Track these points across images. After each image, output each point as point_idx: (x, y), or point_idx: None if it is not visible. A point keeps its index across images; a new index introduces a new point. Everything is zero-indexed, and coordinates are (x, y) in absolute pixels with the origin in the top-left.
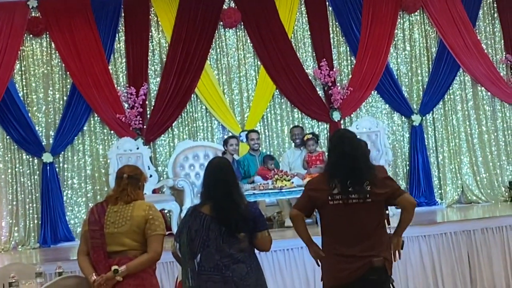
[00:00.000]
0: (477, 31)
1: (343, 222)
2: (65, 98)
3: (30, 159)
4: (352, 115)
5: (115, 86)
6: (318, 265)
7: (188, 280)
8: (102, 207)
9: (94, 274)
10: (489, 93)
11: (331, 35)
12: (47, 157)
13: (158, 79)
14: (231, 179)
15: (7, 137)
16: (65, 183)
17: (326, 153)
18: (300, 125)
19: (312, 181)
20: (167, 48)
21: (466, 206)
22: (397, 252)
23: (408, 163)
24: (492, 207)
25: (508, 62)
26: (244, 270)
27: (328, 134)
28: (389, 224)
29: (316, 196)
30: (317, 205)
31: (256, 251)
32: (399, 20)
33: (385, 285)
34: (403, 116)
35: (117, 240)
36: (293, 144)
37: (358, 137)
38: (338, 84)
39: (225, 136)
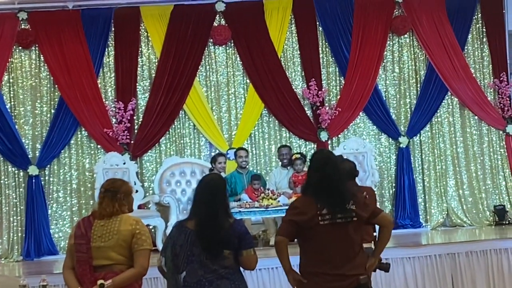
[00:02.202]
0: (465, 55)
1: (333, 241)
2: (52, 111)
3: (16, 171)
4: (339, 136)
5: (103, 100)
6: None
7: None
8: (89, 221)
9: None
10: (476, 117)
11: (321, 55)
12: (33, 170)
13: (147, 94)
14: (219, 198)
15: None
16: (50, 196)
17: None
18: (288, 144)
19: (296, 205)
20: (157, 63)
21: (451, 229)
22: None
23: (394, 184)
24: (476, 231)
25: (496, 87)
26: (228, 286)
27: None
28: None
29: (304, 219)
30: (305, 227)
31: (242, 268)
32: (388, 42)
33: None
34: (390, 138)
35: (103, 254)
36: (280, 163)
37: (345, 157)
38: (327, 104)
39: (213, 153)
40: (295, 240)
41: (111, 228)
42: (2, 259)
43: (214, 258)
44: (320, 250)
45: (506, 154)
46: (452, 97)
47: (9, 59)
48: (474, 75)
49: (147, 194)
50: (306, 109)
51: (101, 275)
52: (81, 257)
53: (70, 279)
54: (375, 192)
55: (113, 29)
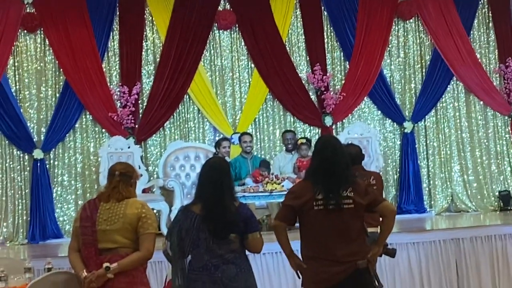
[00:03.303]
0: (471, 40)
1: (327, 227)
2: (57, 95)
3: (21, 155)
4: (344, 121)
5: (108, 84)
6: (299, 277)
7: (177, 279)
8: (95, 204)
9: (84, 270)
10: (481, 103)
11: (326, 40)
12: (38, 154)
13: (152, 78)
14: (224, 181)
15: None
16: (55, 180)
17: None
18: (292, 129)
19: (293, 190)
20: (161, 48)
21: (456, 214)
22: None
23: (398, 170)
24: (481, 216)
25: (502, 72)
26: (233, 271)
27: None
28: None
29: (299, 203)
30: (300, 211)
31: (248, 252)
32: (394, 27)
33: (369, 286)
34: (395, 123)
35: (109, 237)
36: (284, 148)
37: (350, 142)
38: (331, 89)
39: (217, 138)
40: (297, 224)
41: (117, 211)
42: (7, 242)
43: (221, 242)
44: (315, 235)
45: (511, 139)
46: (458, 82)
47: (14, 43)
48: (479, 60)
49: (152, 178)
50: (310, 94)
51: (107, 258)
52: (86, 240)
53: (76, 262)
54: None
55: (118, 13)
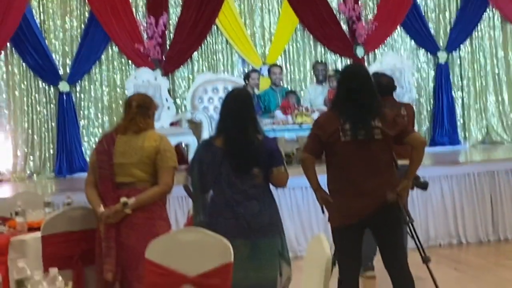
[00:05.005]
0: None
1: (355, 158)
2: (82, 26)
3: (46, 87)
4: (376, 51)
5: (134, 15)
6: (323, 212)
7: (199, 215)
8: (111, 136)
9: (101, 205)
10: None
11: None
12: (63, 86)
13: (179, 9)
14: (248, 113)
15: (23, 64)
16: (81, 113)
17: None
18: (323, 60)
19: (319, 120)
20: None
21: (491, 146)
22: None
23: (432, 101)
24: None
25: None
26: (256, 207)
27: None
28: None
29: (326, 134)
30: (327, 143)
31: (272, 188)
32: None
33: (398, 220)
34: (428, 53)
35: (126, 171)
36: (315, 79)
37: (380, 72)
38: (363, 19)
39: (246, 70)
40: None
41: (135, 145)
42: (35, 175)
43: (243, 177)
44: (342, 167)
45: None
46: (493, 10)
47: None
48: None
49: (179, 111)
50: (342, 24)
51: (124, 193)
52: (103, 173)
53: (93, 197)
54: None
55: None
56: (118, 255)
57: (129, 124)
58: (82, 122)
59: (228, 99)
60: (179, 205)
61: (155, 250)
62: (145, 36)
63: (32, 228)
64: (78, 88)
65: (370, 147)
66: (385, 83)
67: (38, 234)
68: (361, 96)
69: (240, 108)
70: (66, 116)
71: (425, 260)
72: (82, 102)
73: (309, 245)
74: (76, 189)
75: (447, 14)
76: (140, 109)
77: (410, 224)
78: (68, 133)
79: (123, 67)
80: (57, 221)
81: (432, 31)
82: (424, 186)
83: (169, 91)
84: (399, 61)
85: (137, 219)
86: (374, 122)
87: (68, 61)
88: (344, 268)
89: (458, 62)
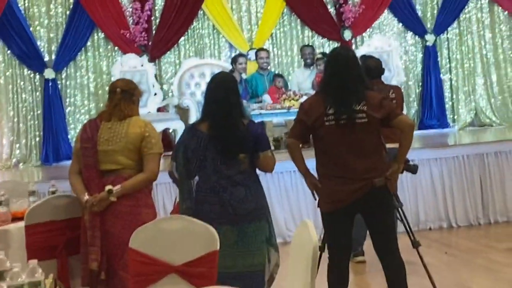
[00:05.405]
0: None
1: (340, 143)
2: (67, 12)
3: (32, 75)
4: (363, 34)
5: (119, 0)
6: (315, 198)
7: (184, 202)
8: (95, 123)
9: (86, 194)
10: (506, 13)
11: None
12: (49, 73)
13: None
14: (232, 97)
15: (8, 51)
16: (67, 100)
17: None
18: (311, 44)
19: (304, 105)
20: None
21: (479, 129)
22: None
23: (420, 84)
24: (506, 130)
25: None
26: (242, 193)
27: None
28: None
29: (311, 119)
30: (313, 127)
31: (260, 173)
32: None
33: (388, 205)
34: (416, 36)
35: (110, 158)
36: (302, 63)
37: (368, 55)
38: (350, 2)
39: (233, 54)
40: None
41: (119, 131)
42: (21, 164)
43: (229, 162)
44: (328, 152)
45: None
46: None
47: None
48: None
49: (166, 97)
50: (329, 7)
51: (109, 180)
52: (87, 161)
53: (77, 185)
54: (403, 93)
55: None
56: (103, 243)
57: (113, 111)
58: (68, 109)
59: (212, 84)
60: (166, 191)
61: (139, 239)
62: (130, 21)
63: (16, 218)
64: (63, 75)
65: (354, 131)
66: (373, 66)
67: (22, 223)
68: (346, 80)
69: (224, 92)
70: (52, 103)
71: (415, 244)
72: (68, 89)
73: (296, 232)
74: (63, 177)
75: None
76: (124, 95)
77: (399, 209)
78: (54, 121)
79: (109, 54)
80: (41, 210)
81: (420, 13)
82: (413, 169)
83: (156, 76)
84: (386, 44)
85: (122, 207)
86: (359, 106)
87: (54, 48)
88: (334, 253)
89: (446, 44)
